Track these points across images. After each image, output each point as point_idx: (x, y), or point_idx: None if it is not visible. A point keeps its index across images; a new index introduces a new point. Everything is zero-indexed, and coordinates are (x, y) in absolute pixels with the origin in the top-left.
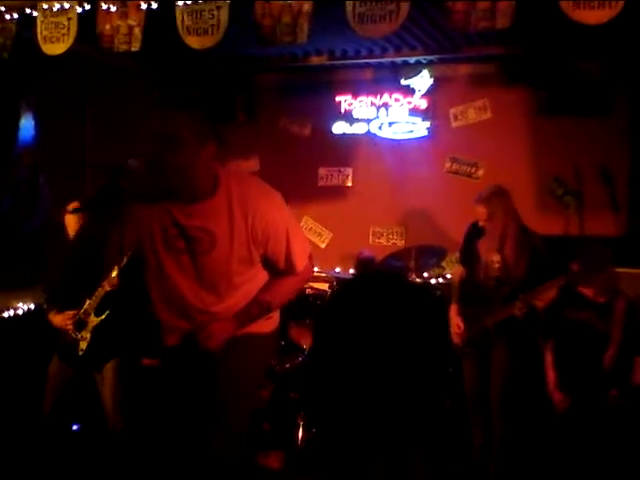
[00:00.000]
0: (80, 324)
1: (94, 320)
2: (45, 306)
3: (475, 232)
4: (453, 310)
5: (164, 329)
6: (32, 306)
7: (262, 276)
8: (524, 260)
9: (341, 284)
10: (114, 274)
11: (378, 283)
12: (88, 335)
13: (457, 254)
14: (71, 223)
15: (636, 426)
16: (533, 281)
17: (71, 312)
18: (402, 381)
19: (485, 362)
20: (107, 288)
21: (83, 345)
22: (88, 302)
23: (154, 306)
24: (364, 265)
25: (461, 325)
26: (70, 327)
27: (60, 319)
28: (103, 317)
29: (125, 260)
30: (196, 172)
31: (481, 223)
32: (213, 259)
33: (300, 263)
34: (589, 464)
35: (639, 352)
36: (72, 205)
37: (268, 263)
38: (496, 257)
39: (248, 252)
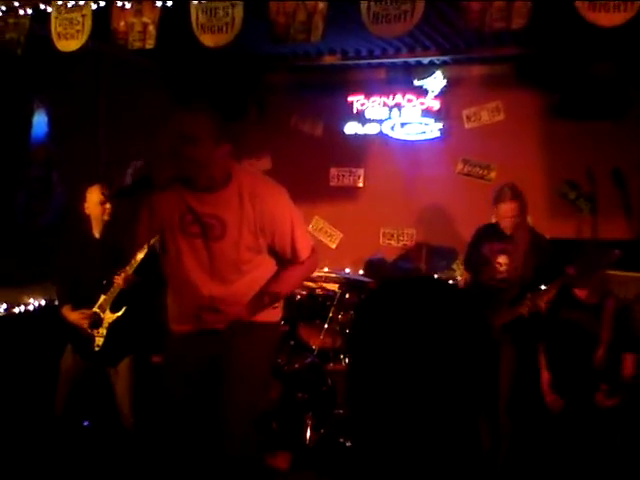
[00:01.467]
0: (96, 320)
1: (110, 316)
2: (57, 301)
3: (484, 234)
4: None
5: (175, 317)
6: (43, 302)
7: (268, 265)
8: (532, 261)
9: (371, 292)
10: (130, 270)
11: (413, 289)
12: (104, 331)
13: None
14: (96, 211)
15: (628, 423)
16: (539, 282)
17: (86, 310)
18: (449, 391)
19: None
20: (122, 284)
21: (99, 341)
22: (103, 297)
23: (168, 293)
24: (375, 267)
25: None
26: (86, 324)
27: (76, 316)
28: (120, 314)
29: (141, 256)
30: (211, 166)
31: (508, 222)
32: (223, 245)
33: (304, 253)
34: (586, 463)
35: (627, 350)
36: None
37: (275, 253)
38: (503, 259)
39: (255, 240)
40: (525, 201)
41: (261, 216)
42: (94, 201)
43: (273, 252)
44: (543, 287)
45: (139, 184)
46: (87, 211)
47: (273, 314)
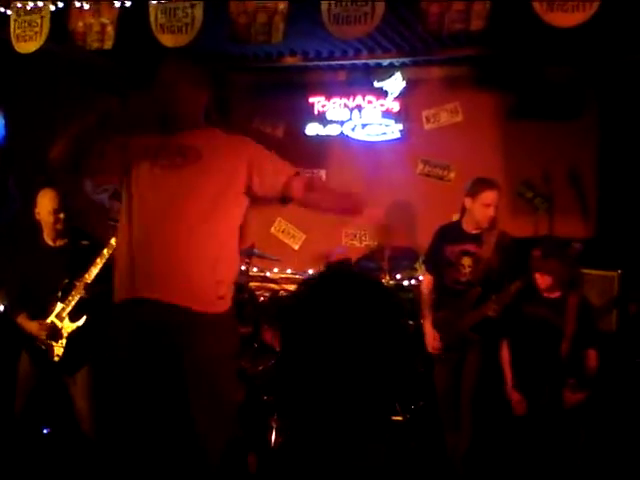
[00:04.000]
0: (54, 330)
1: (69, 326)
2: (8, 309)
3: (445, 235)
4: (428, 322)
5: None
6: (1, 307)
7: (232, 221)
8: (497, 260)
9: (302, 285)
10: (89, 278)
11: (336, 284)
12: (63, 341)
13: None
14: (48, 218)
15: (591, 419)
16: (503, 281)
17: (44, 321)
18: (364, 378)
19: (459, 364)
20: (82, 293)
21: (59, 351)
22: (61, 306)
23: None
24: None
25: (436, 335)
26: (44, 335)
27: (34, 326)
28: (80, 323)
29: (100, 264)
30: (190, 107)
31: (490, 211)
32: (194, 171)
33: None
34: (550, 461)
35: (587, 346)
36: None
37: (267, 197)
38: (467, 261)
39: (227, 185)
40: None
41: (235, 163)
42: (46, 208)
43: (266, 199)
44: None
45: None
46: (37, 217)
47: (219, 304)
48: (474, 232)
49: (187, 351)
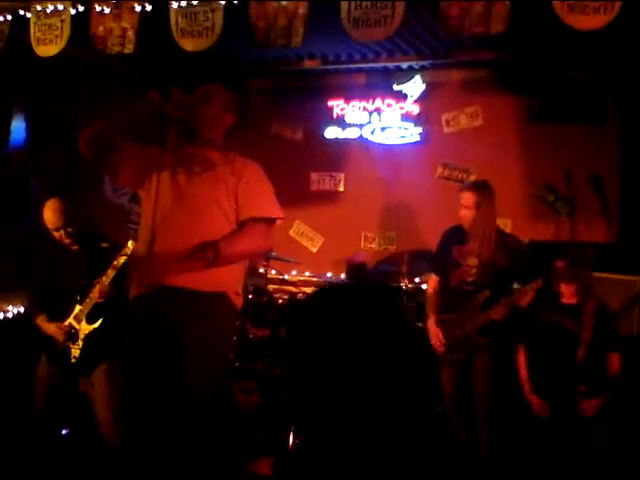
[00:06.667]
0: (71, 332)
1: (86, 327)
2: (29, 310)
3: (453, 237)
4: (431, 321)
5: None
6: (22, 309)
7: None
8: (503, 262)
9: (311, 294)
10: (106, 281)
11: (343, 296)
12: (80, 343)
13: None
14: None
15: (609, 424)
16: (512, 284)
17: (61, 323)
18: (368, 382)
19: (466, 367)
20: (97, 295)
21: (75, 352)
22: (79, 308)
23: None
24: (357, 270)
25: (441, 336)
26: (62, 336)
27: (52, 328)
28: (96, 325)
29: (118, 265)
30: (213, 127)
31: (464, 213)
32: (204, 180)
33: (257, 210)
34: (569, 466)
35: (609, 350)
36: None
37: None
38: (473, 261)
39: (227, 202)
40: (490, 199)
41: (238, 184)
42: (50, 224)
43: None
44: (516, 286)
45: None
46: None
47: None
48: (465, 226)
49: (186, 321)
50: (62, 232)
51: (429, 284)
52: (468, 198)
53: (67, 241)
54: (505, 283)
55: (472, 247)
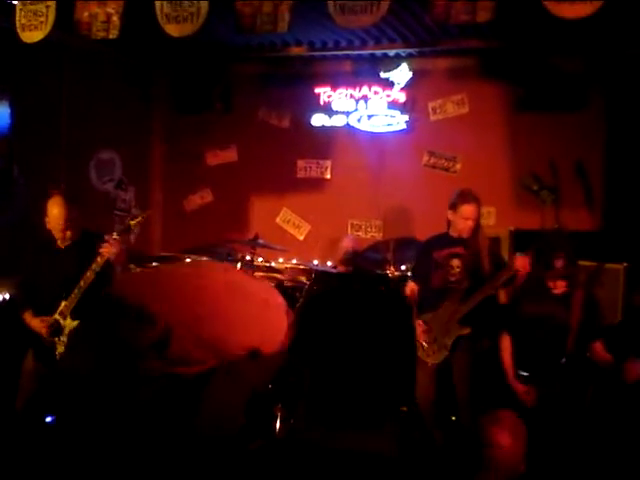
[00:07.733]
0: (56, 327)
1: (71, 323)
2: (18, 304)
3: (431, 245)
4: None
5: None
6: (7, 296)
7: None
8: (488, 266)
9: (318, 282)
10: (90, 276)
11: (352, 287)
12: (65, 339)
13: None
14: (58, 227)
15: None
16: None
17: (47, 317)
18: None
19: (445, 367)
20: (83, 290)
21: (61, 348)
22: (64, 304)
23: None
24: (348, 257)
25: (422, 325)
26: (47, 332)
27: (37, 323)
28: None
29: (102, 263)
30: None
31: (465, 225)
32: None
33: None
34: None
35: (595, 338)
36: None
37: None
38: (456, 262)
39: None
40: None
41: None
42: (56, 219)
43: None
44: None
45: None
46: (49, 226)
47: None
48: (466, 236)
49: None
50: (68, 224)
51: (407, 287)
52: (472, 211)
53: (70, 233)
54: (483, 279)
55: (457, 250)
